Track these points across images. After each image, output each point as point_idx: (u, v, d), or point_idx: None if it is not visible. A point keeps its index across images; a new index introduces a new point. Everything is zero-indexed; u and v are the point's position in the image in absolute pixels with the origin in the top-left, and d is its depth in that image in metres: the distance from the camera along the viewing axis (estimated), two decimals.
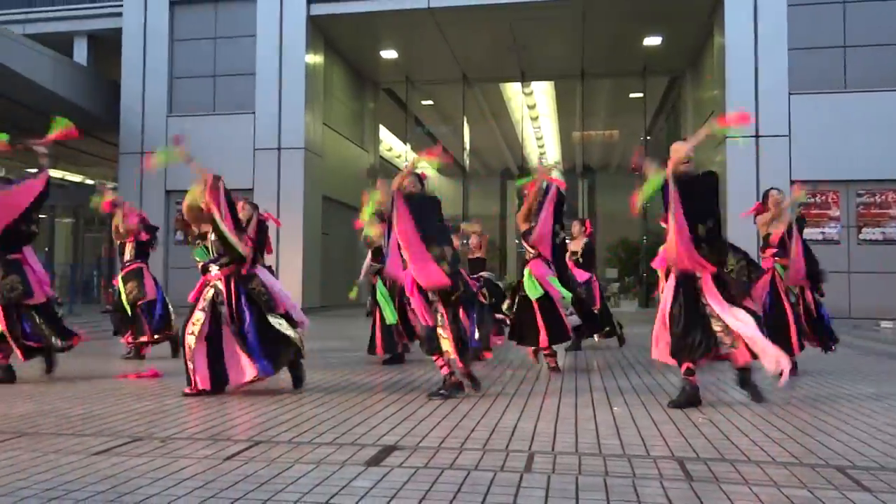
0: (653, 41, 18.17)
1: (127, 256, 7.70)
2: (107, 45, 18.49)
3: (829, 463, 3.27)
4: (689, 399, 4.63)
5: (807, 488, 2.88)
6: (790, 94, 14.46)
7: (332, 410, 4.51)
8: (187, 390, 5.09)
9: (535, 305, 6.30)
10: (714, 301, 4.65)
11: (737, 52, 14.76)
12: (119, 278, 7.65)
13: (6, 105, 16.26)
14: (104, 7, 18.40)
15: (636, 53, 18.89)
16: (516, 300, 6.61)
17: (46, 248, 21.65)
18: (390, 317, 6.07)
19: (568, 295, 6.45)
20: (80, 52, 18.97)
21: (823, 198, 14.19)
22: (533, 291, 6.28)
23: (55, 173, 25.87)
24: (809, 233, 14.29)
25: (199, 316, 5.15)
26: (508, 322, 7.25)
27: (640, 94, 21.24)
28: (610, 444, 3.64)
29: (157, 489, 2.82)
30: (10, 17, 18.54)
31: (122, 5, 17.33)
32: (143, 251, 7.78)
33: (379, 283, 6.68)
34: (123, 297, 7.50)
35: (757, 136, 14.39)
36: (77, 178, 26.69)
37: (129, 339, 7.59)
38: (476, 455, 3.39)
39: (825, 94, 14.41)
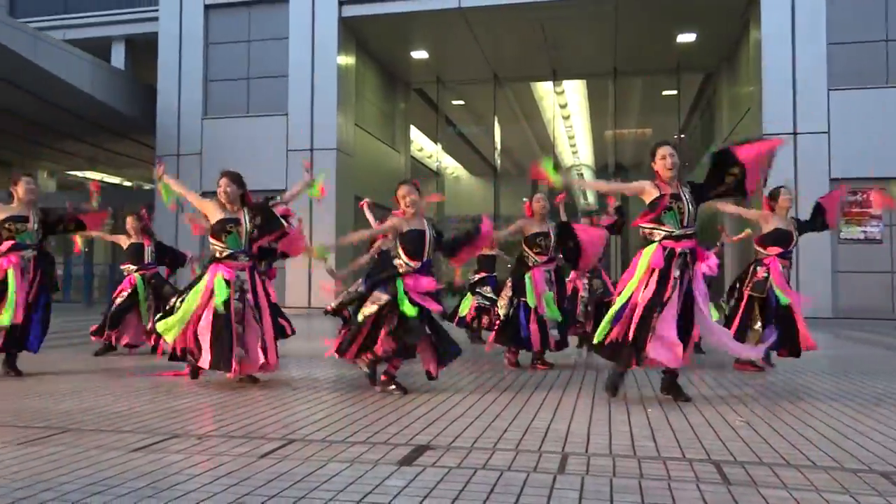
0: (687, 38, 17.94)
1: (147, 259, 7.77)
2: (143, 50, 18.89)
3: (871, 468, 3.19)
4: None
5: (849, 493, 2.82)
6: (829, 89, 14.17)
7: (364, 409, 4.54)
8: (230, 376, 5.40)
9: (533, 314, 6.42)
10: (700, 296, 4.68)
11: (773, 47, 14.51)
12: (137, 277, 7.66)
13: (47, 109, 16.69)
14: (141, 12, 18.81)
15: (669, 50, 18.67)
16: (513, 304, 6.51)
17: (86, 249, 22.16)
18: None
19: (556, 315, 6.48)
20: (118, 57, 19.41)
21: (865, 196, 13.87)
22: (532, 301, 6.39)
23: (95, 175, 26.53)
24: (850, 232, 14.04)
25: (238, 306, 5.35)
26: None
27: (674, 92, 20.98)
28: (645, 445, 3.60)
29: (195, 486, 2.87)
30: (50, 24, 19.03)
31: (158, 10, 17.66)
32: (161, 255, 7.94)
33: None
34: (143, 295, 7.57)
35: (795, 134, 14.12)
36: (115, 179, 27.29)
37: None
38: (509, 455, 3.38)
39: (866, 89, 14.08)
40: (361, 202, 7.57)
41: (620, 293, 4.80)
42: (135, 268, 7.73)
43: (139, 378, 5.99)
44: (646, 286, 4.66)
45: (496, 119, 22.70)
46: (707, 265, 4.74)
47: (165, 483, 2.90)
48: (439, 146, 23.42)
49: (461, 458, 3.32)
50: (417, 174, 23.37)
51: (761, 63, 14.66)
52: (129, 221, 7.87)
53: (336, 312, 6.89)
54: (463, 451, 3.47)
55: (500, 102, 22.24)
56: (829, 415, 4.41)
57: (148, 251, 7.80)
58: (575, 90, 23.53)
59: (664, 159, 4.75)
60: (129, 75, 18.87)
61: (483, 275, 8.79)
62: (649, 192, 4.80)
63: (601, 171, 27.28)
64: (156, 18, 17.77)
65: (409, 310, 5.00)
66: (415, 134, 23.79)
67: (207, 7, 17.28)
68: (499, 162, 23.62)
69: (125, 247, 7.85)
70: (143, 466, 3.15)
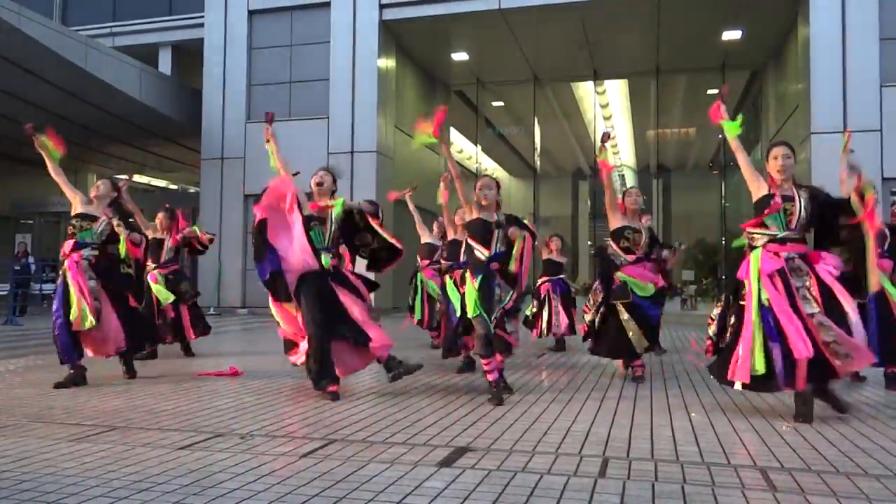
0: (732, 35, 17.58)
1: (165, 256, 7.68)
2: (189, 55, 19.30)
3: None
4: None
5: None
6: (882, 86, 13.74)
7: (404, 411, 4.56)
8: (333, 388, 4.99)
9: (622, 312, 5.84)
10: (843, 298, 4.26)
11: (823, 43, 14.13)
12: (157, 276, 7.51)
13: (97, 114, 17.15)
14: (187, 19, 19.21)
15: (714, 48, 18.33)
16: (599, 310, 6.03)
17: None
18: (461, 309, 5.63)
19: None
20: (165, 63, 19.86)
21: None
22: (643, 291, 5.86)
23: (142, 178, 27.17)
24: None
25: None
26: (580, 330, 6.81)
27: (719, 90, 20.61)
28: (687, 450, 3.54)
29: (238, 484, 2.92)
30: (100, 31, 19.57)
31: (203, 17, 18.02)
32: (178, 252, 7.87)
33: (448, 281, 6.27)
34: (164, 295, 7.38)
35: (845, 132, 13.73)
36: (161, 182, 27.92)
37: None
38: (549, 459, 3.36)
39: None
40: (394, 194, 7.58)
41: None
42: (154, 266, 7.61)
43: (185, 378, 6.11)
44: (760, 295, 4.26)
45: (536, 120, 22.59)
46: (826, 267, 4.32)
47: (210, 481, 2.96)
48: (479, 147, 23.39)
49: (501, 461, 3.31)
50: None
51: (810, 60, 14.29)
52: (160, 217, 7.82)
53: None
54: (503, 453, 3.46)
55: (539, 103, 22.11)
56: (885, 423, 4.28)
57: (167, 248, 7.70)
58: (616, 89, 23.28)
59: (776, 160, 4.47)
60: (175, 81, 19.29)
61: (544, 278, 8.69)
62: (760, 186, 4.52)
63: (643, 172, 26.93)
64: (201, 25, 18.13)
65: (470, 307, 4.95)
66: (454, 136, 23.79)
67: (251, 13, 17.57)
68: (538, 163, 23.49)
69: (148, 239, 7.65)
70: (188, 464, 3.22)
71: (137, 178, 26.92)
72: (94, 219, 5.92)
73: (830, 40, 14.06)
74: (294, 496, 2.77)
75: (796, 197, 4.43)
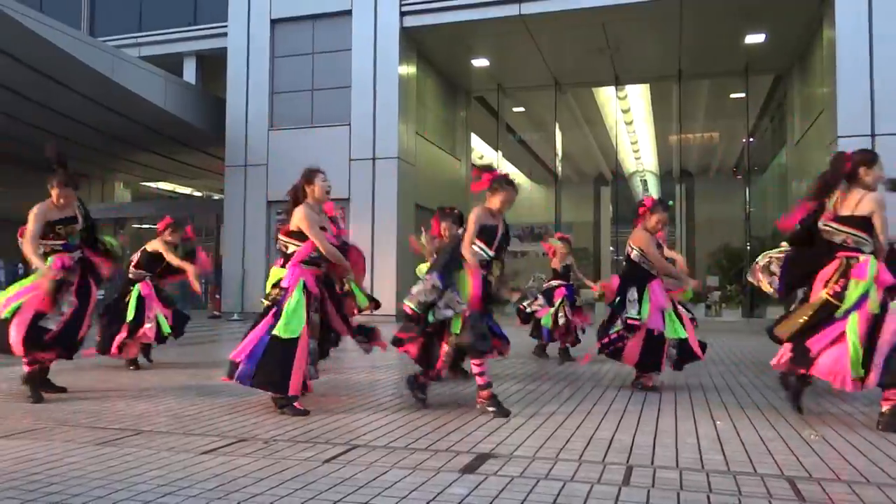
0: (755, 38, 17.40)
1: None
2: (213, 64, 19.54)
3: None
4: None
5: None
6: None
7: (426, 417, 4.55)
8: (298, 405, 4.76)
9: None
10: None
11: (848, 45, 13.93)
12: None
13: (123, 123, 17.42)
14: (211, 28, 19.45)
15: (737, 52, 18.15)
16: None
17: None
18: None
19: (678, 333, 5.70)
20: (189, 72, 20.13)
21: None
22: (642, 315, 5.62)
23: (167, 186, 27.49)
24: None
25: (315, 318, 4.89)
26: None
27: (742, 95, 20.39)
28: (713, 459, 3.49)
29: (261, 489, 2.93)
30: (126, 42, 19.88)
31: (227, 25, 18.24)
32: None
33: None
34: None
35: (872, 136, 13.52)
36: (186, 190, 28.26)
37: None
38: (572, 466, 3.33)
39: None
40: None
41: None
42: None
43: (208, 383, 6.16)
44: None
45: (557, 125, 22.52)
46: None
47: (234, 486, 2.97)
48: (500, 153, 23.38)
49: (524, 468, 3.29)
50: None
51: (835, 62, 14.10)
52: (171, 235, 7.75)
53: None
54: (525, 460, 3.44)
55: (560, 109, 22.04)
56: None
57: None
58: (638, 94, 23.13)
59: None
60: (199, 89, 19.53)
61: (558, 282, 8.41)
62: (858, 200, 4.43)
63: (665, 177, 26.74)
64: (225, 34, 18.35)
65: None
66: (475, 142, 23.81)
67: (273, 21, 17.74)
68: (559, 169, 23.41)
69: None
70: (212, 469, 3.24)
71: (162, 185, 27.33)
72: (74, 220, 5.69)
73: (856, 43, 13.87)
74: (317, 501, 2.77)
75: None
